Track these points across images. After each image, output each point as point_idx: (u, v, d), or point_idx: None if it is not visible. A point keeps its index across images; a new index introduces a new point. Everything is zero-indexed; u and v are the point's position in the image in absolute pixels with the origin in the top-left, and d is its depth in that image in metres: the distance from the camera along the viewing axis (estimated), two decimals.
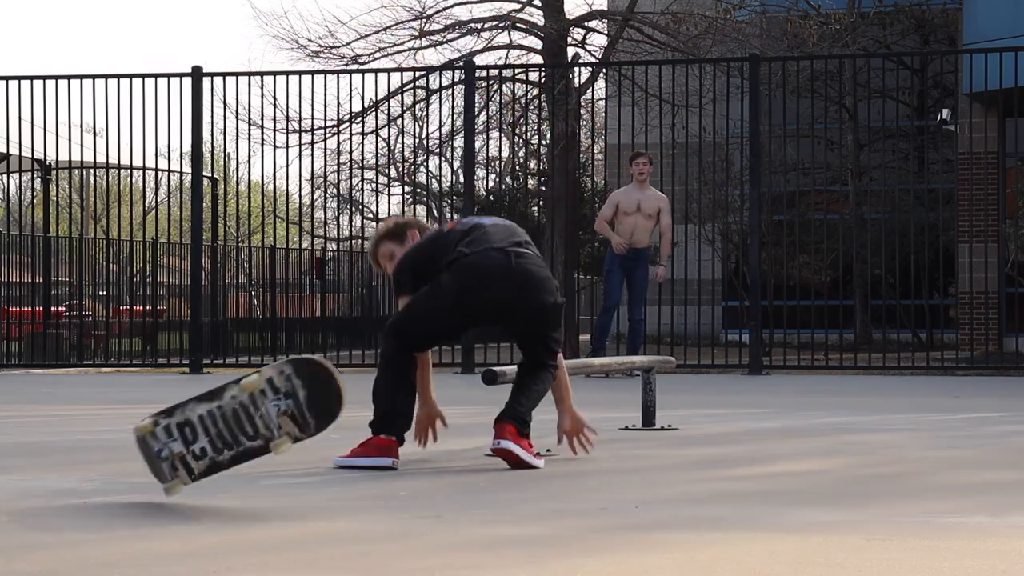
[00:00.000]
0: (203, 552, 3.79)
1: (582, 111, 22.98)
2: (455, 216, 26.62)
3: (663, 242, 14.00)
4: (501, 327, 6.09)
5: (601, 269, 23.32)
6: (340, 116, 17.74)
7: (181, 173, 23.85)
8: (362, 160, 21.03)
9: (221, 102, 16.28)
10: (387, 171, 28.05)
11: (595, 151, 31.00)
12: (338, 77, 17.21)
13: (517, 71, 18.92)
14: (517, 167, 26.59)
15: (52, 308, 19.25)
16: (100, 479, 5.36)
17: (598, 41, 21.01)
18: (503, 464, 5.76)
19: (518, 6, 20.08)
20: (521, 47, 20.19)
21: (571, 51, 20.08)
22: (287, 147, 17.23)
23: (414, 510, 4.54)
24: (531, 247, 6.04)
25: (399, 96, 18.68)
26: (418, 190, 32.49)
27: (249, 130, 17.81)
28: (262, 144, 17.99)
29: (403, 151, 26.18)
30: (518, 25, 19.89)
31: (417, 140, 22.04)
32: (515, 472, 5.56)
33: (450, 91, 18.01)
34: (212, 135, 20.94)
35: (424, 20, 19.57)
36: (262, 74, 16.50)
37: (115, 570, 3.49)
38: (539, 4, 19.83)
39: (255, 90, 21.59)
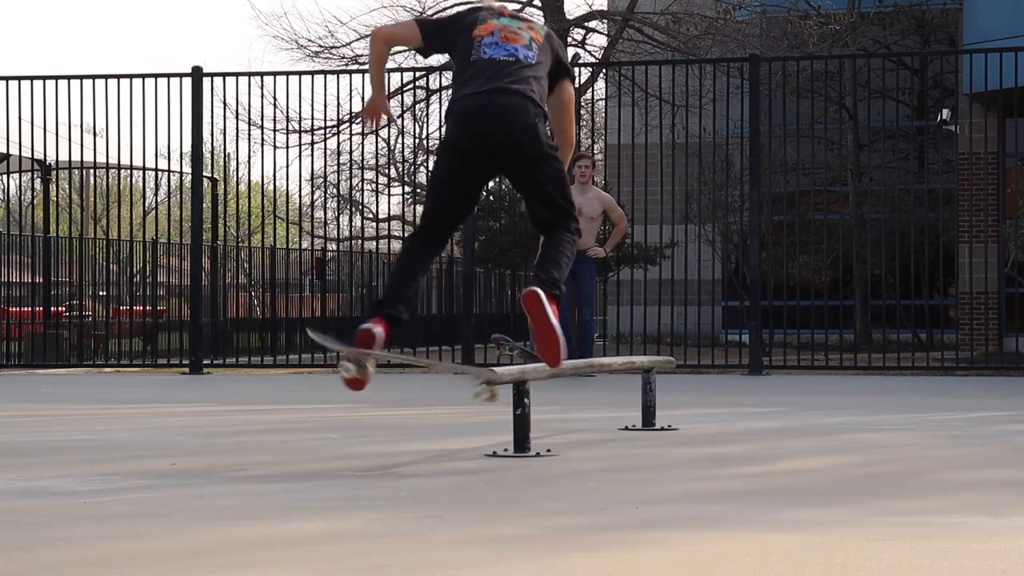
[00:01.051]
0: (203, 551, 3.79)
1: (582, 111, 22.99)
2: None
3: (614, 232, 14.38)
4: (498, 173, 6.09)
5: (601, 269, 23.38)
6: (340, 116, 17.75)
7: (181, 173, 23.85)
8: (362, 160, 21.04)
9: (221, 102, 16.31)
10: (387, 171, 28.05)
11: (595, 151, 30.99)
12: (338, 77, 17.23)
13: None
14: None
15: (52, 308, 19.25)
16: (100, 479, 5.35)
17: (598, 41, 21.04)
18: (503, 464, 5.75)
19: (518, 6, 20.09)
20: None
21: (571, 51, 20.08)
22: (287, 147, 17.25)
23: (414, 510, 4.54)
24: (521, 83, 5.89)
25: (399, 96, 18.69)
26: (418, 190, 32.49)
27: (249, 130, 17.85)
28: (262, 144, 18.03)
29: (403, 151, 26.18)
30: None
31: (417, 140, 22.04)
32: (515, 472, 5.55)
33: (450, 91, 18.02)
34: (212, 135, 20.95)
35: None
36: (262, 74, 16.52)
37: (115, 570, 3.49)
38: (539, 4, 19.84)
39: (255, 90, 21.62)
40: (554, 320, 5.68)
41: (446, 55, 6.49)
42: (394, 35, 6.29)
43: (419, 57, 20.31)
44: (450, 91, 19.06)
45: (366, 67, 18.81)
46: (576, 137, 21.76)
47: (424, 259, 5.96)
